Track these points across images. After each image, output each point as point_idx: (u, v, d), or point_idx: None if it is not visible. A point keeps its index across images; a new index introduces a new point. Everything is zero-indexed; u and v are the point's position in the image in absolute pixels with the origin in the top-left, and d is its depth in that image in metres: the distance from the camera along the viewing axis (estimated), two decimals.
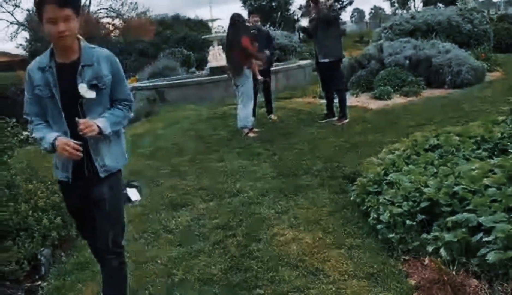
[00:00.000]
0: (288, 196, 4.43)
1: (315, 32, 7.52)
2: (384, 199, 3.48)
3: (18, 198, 3.62)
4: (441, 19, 13.18)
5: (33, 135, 2.38)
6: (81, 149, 2.21)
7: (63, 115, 2.29)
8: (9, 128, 3.67)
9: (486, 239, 2.60)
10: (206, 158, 6.18)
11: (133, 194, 4.91)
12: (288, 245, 3.42)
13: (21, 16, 35.93)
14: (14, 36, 36.36)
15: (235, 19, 7.15)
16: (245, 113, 7.08)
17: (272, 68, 9.00)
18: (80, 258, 3.61)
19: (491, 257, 2.50)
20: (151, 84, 14.35)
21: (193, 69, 21.71)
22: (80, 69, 2.28)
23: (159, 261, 3.41)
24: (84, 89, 2.26)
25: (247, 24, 7.62)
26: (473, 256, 2.65)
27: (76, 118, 2.20)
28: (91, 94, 2.26)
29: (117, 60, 2.42)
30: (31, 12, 34.73)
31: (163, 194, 4.89)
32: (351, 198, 4.07)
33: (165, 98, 12.51)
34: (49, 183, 4.13)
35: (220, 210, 4.30)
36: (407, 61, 10.10)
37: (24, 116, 2.41)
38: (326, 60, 7.36)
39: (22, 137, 7.94)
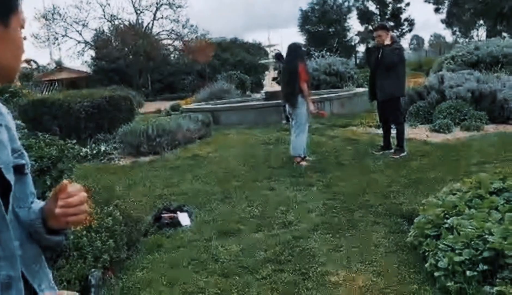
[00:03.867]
0: (340, 232, 4.29)
1: (375, 70, 7.26)
2: (443, 244, 3.28)
3: None
4: (508, 51, 12.63)
5: None
6: None
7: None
8: (70, 150, 3.77)
9: None
10: (258, 185, 6.13)
11: (184, 219, 4.93)
12: (339, 287, 3.28)
13: (88, 35, 37.89)
14: (81, 54, 38.32)
15: (293, 48, 7.17)
16: (298, 142, 7.01)
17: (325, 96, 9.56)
18: (129, 282, 3.63)
19: None
20: (206, 106, 14.63)
21: (249, 92, 21.97)
22: None
23: (206, 293, 3.37)
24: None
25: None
26: None
27: None
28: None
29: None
30: (97, 31, 36.66)
31: (213, 221, 4.88)
32: (408, 239, 3.88)
33: (220, 121, 12.67)
34: (104, 204, 4.21)
35: (269, 241, 4.21)
36: (469, 94, 9.71)
37: None
38: (386, 98, 7.14)
39: (81, 154, 8.30)
